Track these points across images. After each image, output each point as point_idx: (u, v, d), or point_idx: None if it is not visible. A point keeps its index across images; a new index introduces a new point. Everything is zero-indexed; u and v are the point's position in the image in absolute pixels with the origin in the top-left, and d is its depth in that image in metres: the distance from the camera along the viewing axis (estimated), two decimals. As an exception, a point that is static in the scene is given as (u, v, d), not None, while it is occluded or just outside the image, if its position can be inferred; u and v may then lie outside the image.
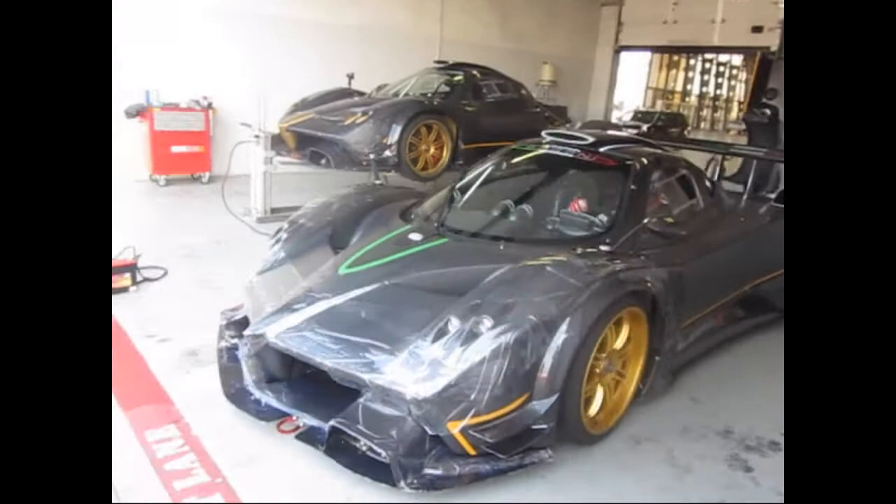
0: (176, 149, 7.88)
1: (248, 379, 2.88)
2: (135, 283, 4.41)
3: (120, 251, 4.43)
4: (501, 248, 3.20)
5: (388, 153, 7.07)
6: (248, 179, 6.81)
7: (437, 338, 2.58)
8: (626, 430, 3.10)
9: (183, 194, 7.74)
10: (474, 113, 7.85)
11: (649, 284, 2.94)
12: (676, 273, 3.22)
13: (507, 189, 3.82)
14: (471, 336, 2.54)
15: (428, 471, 2.50)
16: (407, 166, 7.18)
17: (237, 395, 2.87)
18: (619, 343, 2.94)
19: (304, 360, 2.69)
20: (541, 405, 2.58)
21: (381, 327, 2.72)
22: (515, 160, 4.04)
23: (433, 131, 7.44)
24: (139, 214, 6.96)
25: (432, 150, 7.45)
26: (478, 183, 3.87)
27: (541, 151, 3.90)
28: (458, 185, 3.84)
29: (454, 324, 2.61)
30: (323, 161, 7.22)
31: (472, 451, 2.54)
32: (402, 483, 2.45)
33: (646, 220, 3.26)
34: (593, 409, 2.92)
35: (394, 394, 2.50)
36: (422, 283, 2.95)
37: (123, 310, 4.03)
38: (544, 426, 2.61)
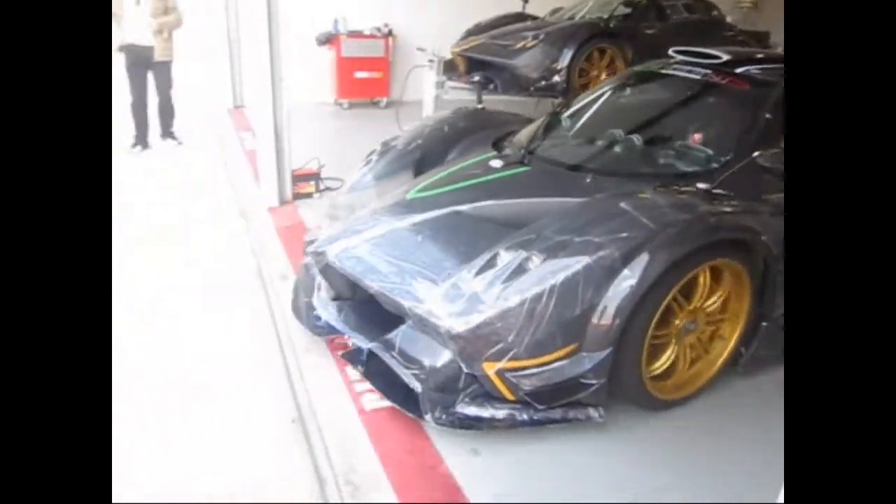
0: (358, 74, 8.01)
1: (317, 295, 2.82)
2: (318, 190, 4.81)
3: (306, 161, 4.80)
4: (588, 180, 2.73)
5: (556, 78, 6.67)
6: (420, 106, 6.77)
7: (481, 271, 2.28)
8: (775, 375, 2.66)
9: (363, 118, 7.91)
10: (654, 36, 7.00)
11: (756, 235, 2.32)
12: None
13: (619, 116, 3.25)
14: (518, 273, 2.21)
15: (459, 409, 2.28)
16: (575, 93, 6.64)
17: (301, 309, 2.83)
18: (706, 300, 2.40)
19: (356, 281, 2.54)
20: (590, 358, 2.20)
21: (433, 255, 2.48)
22: (635, 83, 3.42)
23: (606, 56, 6.78)
24: (325, 133, 7.26)
25: (604, 76, 6.77)
26: (586, 109, 3.34)
27: (665, 72, 3.24)
28: (563, 113, 3.35)
29: (502, 258, 2.29)
30: (491, 86, 6.93)
31: (509, 396, 2.26)
32: (428, 416, 2.25)
33: (755, 154, 2.55)
34: (663, 370, 2.44)
35: (430, 325, 2.27)
36: (487, 213, 2.63)
37: (306, 212, 4.46)
38: (594, 382, 2.22)
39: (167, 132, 6.18)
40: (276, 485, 2.20)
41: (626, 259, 2.15)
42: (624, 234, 2.18)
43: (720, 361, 2.54)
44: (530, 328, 2.16)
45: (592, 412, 2.30)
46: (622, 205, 2.30)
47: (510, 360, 2.19)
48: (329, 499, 2.12)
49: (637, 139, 2.96)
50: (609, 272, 2.15)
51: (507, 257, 2.27)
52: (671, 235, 2.17)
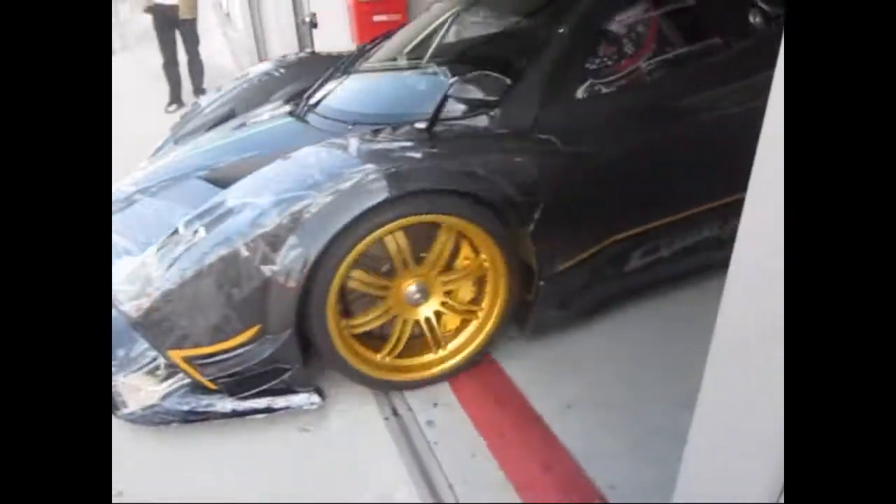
0: (377, 18, 7.48)
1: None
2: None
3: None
4: (350, 129, 2.22)
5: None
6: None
7: (162, 247, 1.89)
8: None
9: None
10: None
11: (481, 181, 1.78)
12: (582, 163, 1.93)
13: (418, 52, 2.63)
14: (186, 248, 1.80)
15: (154, 402, 1.92)
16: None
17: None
18: (430, 263, 1.89)
19: None
20: (273, 341, 1.78)
21: (149, 229, 2.10)
22: (434, 17, 2.75)
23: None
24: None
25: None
26: (380, 48, 2.75)
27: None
28: (368, 52, 2.79)
29: (180, 231, 1.88)
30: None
31: (210, 385, 1.89)
32: (120, 413, 1.92)
33: (453, 80, 1.92)
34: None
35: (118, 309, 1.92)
36: (221, 175, 2.21)
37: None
38: (287, 366, 1.81)
39: (199, 89, 6.00)
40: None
41: (293, 224, 1.69)
42: (293, 194, 1.72)
43: (486, 332, 2.02)
44: (201, 311, 1.77)
45: (302, 399, 1.89)
46: (310, 158, 1.82)
47: (193, 347, 1.81)
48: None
49: (424, 83, 2.38)
50: (274, 241, 1.70)
51: (183, 230, 1.87)
52: (348, 190, 1.68)
